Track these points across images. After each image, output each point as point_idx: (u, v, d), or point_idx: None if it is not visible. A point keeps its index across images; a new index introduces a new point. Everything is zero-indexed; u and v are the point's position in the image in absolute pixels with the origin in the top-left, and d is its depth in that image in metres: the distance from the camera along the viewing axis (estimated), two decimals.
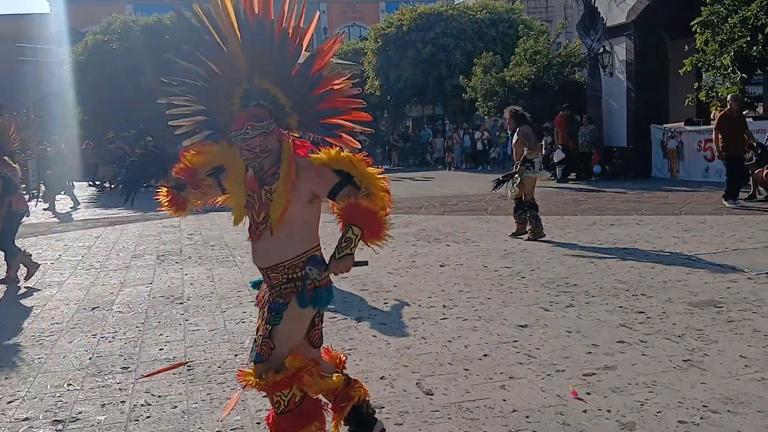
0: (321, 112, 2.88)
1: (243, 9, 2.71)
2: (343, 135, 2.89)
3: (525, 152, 8.82)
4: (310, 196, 2.82)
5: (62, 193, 17.87)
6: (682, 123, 16.17)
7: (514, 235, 9.01)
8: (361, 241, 2.81)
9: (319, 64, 2.78)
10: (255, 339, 2.89)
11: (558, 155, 17.12)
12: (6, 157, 7.62)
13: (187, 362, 4.63)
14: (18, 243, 8.03)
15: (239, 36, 2.75)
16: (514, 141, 9.08)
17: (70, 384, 4.30)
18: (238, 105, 2.87)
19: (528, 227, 8.83)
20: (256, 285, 3.13)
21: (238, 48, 2.77)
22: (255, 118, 2.75)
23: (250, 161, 2.79)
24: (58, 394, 4.12)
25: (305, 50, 2.79)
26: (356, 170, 2.77)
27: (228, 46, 2.79)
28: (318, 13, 2.94)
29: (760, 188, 11.80)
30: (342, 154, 2.80)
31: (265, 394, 2.92)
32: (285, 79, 2.81)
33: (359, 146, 2.92)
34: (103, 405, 3.91)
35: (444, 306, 5.74)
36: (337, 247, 2.81)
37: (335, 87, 2.82)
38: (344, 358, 3.28)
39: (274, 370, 2.77)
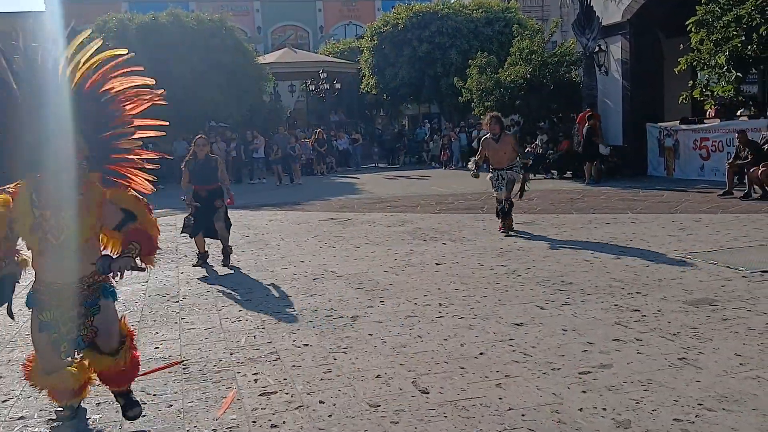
0: (114, 156, 3.52)
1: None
2: (133, 180, 3.59)
3: (520, 157, 9.52)
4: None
5: None
6: (677, 122, 16.21)
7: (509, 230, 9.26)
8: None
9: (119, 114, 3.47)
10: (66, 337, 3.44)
11: (604, 149, 16.70)
12: None
13: (183, 361, 4.62)
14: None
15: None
16: (502, 145, 9.24)
17: None
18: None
19: (506, 222, 9.27)
20: None
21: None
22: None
23: None
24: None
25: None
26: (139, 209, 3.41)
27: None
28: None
29: (755, 187, 11.83)
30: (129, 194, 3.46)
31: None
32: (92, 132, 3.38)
33: (150, 190, 3.59)
34: (98, 404, 3.90)
35: (440, 304, 5.74)
36: (119, 252, 3.39)
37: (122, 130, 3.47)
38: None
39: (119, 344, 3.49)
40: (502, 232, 9.19)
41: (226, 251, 8.07)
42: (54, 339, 3.41)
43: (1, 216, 3.22)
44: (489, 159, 9.44)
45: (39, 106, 3.17)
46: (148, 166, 3.57)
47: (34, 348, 3.52)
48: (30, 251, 3.39)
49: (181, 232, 8.31)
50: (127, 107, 3.45)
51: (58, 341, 3.41)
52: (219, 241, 8.09)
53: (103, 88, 3.35)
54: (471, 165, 9.72)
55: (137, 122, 3.52)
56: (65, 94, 3.20)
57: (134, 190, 3.55)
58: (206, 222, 7.93)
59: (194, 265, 8.02)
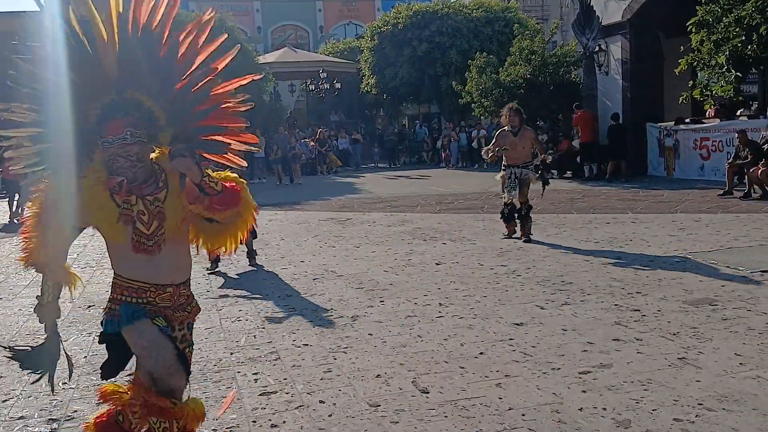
0: (202, 128, 2.77)
1: (130, 19, 2.55)
2: (228, 154, 2.81)
3: (543, 154, 8.96)
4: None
5: None
6: (673, 122, 16.23)
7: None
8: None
9: (207, 81, 2.70)
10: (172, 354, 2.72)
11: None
12: None
13: None
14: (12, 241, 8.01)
15: (118, 47, 2.57)
16: (521, 139, 8.59)
17: (65, 382, 4.29)
18: (96, 116, 2.64)
19: (526, 227, 8.71)
20: (133, 318, 2.71)
21: (113, 59, 2.59)
22: (134, 125, 2.59)
23: (124, 170, 2.60)
24: (53, 393, 4.11)
25: (202, 64, 2.68)
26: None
27: (100, 55, 2.59)
28: (225, 35, 2.75)
29: (755, 187, 11.84)
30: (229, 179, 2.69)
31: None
32: (164, 94, 2.69)
33: (245, 165, 2.91)
34: (99, 403, 3.90)
35: (440, 304, 5.74)
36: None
37: (223, 106, 2.76)
38: None
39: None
40: (523, 240, 8.57)
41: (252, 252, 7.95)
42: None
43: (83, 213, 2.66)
44: (504, 156, 8.69)
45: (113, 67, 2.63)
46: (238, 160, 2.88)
47: (143, 368, 2.77)
48: (111, 253, 2.78)
49: None
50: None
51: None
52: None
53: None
54: (484, 154, 9.11)
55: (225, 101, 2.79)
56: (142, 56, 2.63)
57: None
58: None
59: (210, 271, 7.69)
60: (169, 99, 2.69)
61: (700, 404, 3.47)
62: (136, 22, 2.56)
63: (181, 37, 2.64)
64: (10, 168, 2.82)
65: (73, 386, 4.20)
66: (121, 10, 2.54)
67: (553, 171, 18.20)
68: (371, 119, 33.88)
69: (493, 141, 8.94)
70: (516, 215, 8.74)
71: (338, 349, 4.68)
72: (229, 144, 2.80)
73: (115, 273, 2.75)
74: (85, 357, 4.78)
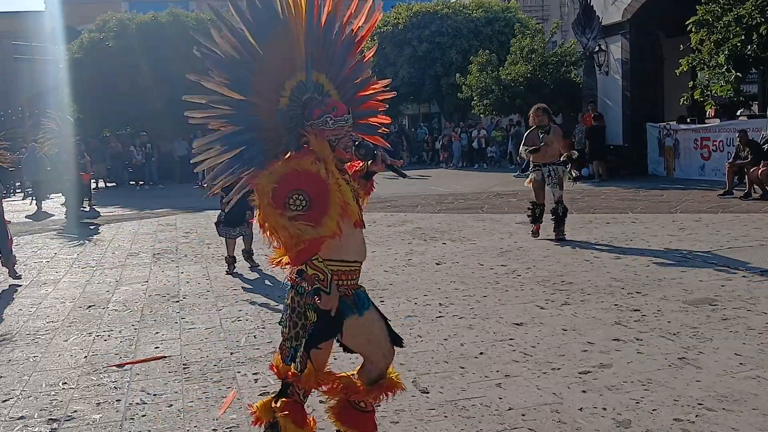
0: (360, 113, 2.87)
1: (316, 2, 2.62)
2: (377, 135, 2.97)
3: (569, 149, 8.78)
4: None
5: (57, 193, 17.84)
6: (674, 121, 16.24)
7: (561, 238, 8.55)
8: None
9: (366, 67, 2.87)
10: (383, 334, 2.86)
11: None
12: None
13: (165, 357, 4.66)
14: (15, 241, 8.03)
15: (305, 26, 2.60)
16: (553, 137, 8.48)
17: (66, 382, 4.29)
18: (288, 97, 2.62)
19: (561, 227, 8.59)
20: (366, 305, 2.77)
21: (302, 37, 2.60)
22: (347, 109, 2.66)
23: (348, 150, 2.66)
24: (53, 393, 4.11)
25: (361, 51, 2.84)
26: None
27: (291, 32, 2.58)
28: (380, 14, 2.88)
29: (755, 187, 11.83)
30: None
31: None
32: (339, 78, 2.77)
33: (390, 145, 3.00)
34: (99, 404, 3.91)
35: (440, 304, 5.74)
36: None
37: (375, 90, 2.91)
38: None
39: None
40: (557, 240, 8.46)
41: (250, 252, 7.91)
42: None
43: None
44: (533, 156, 8.55)
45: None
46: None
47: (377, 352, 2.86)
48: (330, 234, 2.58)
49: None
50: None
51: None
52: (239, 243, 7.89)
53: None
54: (523, 152, 8.80)
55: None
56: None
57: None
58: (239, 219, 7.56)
59: (227, 273, 7.61)
60: (342, 83, 2.78)
61: (700, 404, 3.47)
62: (322, 6, 2.64)
63: (356, 26, 2.77)
64: None
65: (73, 386, 4.20)
66: None
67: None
68: None
69: (524, 140, 8.81)
70: (551, 215, 8.61)
71: (338, 349, 4.66)
72: (380, 126, 2.98)
73: (324, 259, 2.58)
74: (85, 357, 4.78)
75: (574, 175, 9.03)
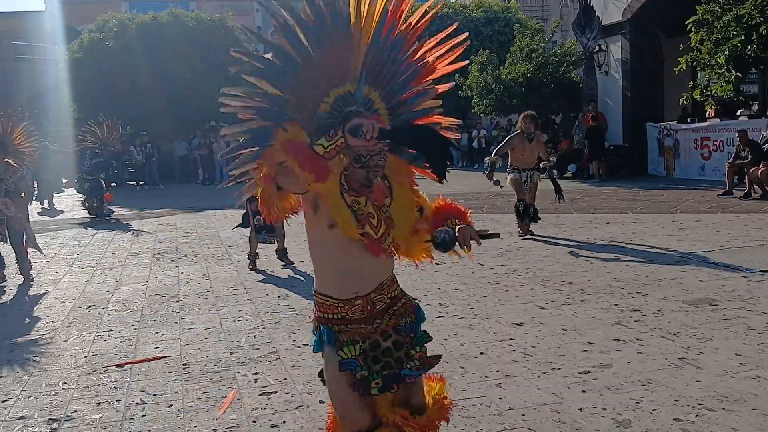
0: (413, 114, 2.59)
1: (388, 18, 2.36)
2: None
3: (547, 158, 9.14)
4: None
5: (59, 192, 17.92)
6: (675, 121, 16.24)
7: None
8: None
9: (431, 95, 2.57)
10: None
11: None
12: (9, 159, 7.53)
13: (165, 357, 4.65)
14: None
15: (370, 38, 2.36)
16: (535, 145, 8.81)
17: (66, 382, 4.29)
18: (330, 104, 2.38)
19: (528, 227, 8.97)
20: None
21: (364, 49, 2.36)
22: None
23: (379, 169, 2.41)
24: (53, 393, 4.11)
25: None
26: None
27: (352, 40, 2.34)
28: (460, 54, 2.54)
29: (755, 187, 11.83)
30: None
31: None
32: (394, 100, 2.49)
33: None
34: (99, 404, 3.91)
35: (440, 304, 5.74)
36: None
37: (436, 120, 2.61)
38: None
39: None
40: (522, 236, 8.84)
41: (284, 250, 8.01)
42: (362, 378, 2.47)
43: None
44: (512, 159, 8.88)
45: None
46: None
47: (334, 403, 2.59)
48: (316, 252, 2.59)
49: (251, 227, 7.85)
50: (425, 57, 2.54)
51: (367, 381, 2.47)
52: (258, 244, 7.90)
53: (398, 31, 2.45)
54: (487, 161, 9.02)
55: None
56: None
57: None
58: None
59: (250, 269, 7.67)
60: (393, 106, 2.50)
61: (700, 404, 3.47)
62: (394, 23, 2.38)
63: (426, 50, 2.49)
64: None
65: (73, 386, 4.20)
66: (387, 5, 2.34)
67: (553, 171, 18.20)
68: None
69: (506, 142, 9.10)
70: (529, 213, 8.94)
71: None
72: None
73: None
74: (85, 357, 4.78)
75: (556, 182, 9.50)
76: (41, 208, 16.55)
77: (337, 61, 2.35)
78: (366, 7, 2.30)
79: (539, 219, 9.05)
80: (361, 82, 2.40)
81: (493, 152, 9.10)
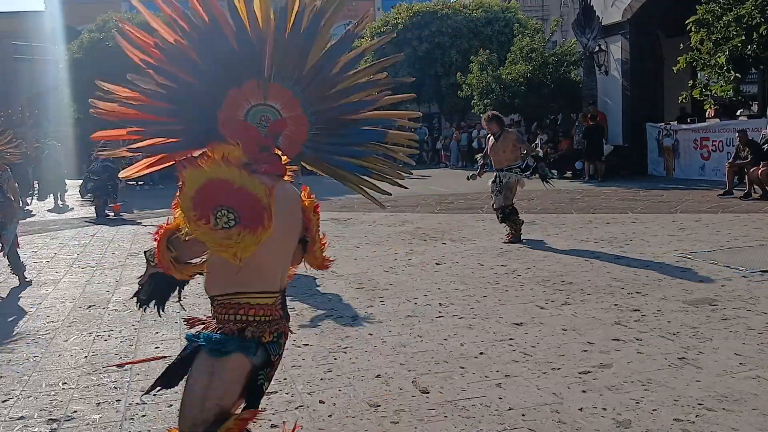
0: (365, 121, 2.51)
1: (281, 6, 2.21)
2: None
3: (530, 151, 9.00)
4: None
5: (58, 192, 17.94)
6: (675, 121, 16.24)
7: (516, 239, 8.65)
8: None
9: (364, 88, 2.43)
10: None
11: (606, 149, 16.89)
12: None
13: (165, 357, 4.64)
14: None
15: (273, 37, 2.21)
16: (502, 144, 8.65)
17: (66, 383, 4.29)
18: (230, 104, 2.26)
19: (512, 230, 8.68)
20: None
21: (266, 48, 2.23)
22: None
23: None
24: (53, 393, 4.11)
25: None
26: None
27: (248, 43, 2.21)
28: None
29: (755, 187, 11.84)
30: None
31: None
32: (311, 96, 2.35)
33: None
34: (99, 404, 3.91)
35: (440, 304, 5.74)
36: None
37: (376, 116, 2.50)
38: None
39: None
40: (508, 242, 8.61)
41: None
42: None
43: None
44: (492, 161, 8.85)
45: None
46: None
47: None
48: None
49: None
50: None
51: None
52: None
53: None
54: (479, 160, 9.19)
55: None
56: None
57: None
58: None
59: None
60: (311, 101, 2.36)
61: (700, 404, 3.47)
62: (300, 17, 2.22)
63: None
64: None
65: (73, 386, 4.20)
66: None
67: (553, 171, 18.19)
68: None
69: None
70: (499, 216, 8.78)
71: (338, 349, 4.68)
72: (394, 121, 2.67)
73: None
74: (85, 357, 4.78)
75: (550, 174, 9.30)
76: (61, 204, 17.22)
77: (234, 61, 2.23)
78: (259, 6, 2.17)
79: (514, 221, 8.64)
80: (264, 80, 2.26)
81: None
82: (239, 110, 2.25)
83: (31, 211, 15.97)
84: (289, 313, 2.65)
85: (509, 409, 3.54)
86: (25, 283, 7.54)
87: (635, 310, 5.25)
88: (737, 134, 12.94)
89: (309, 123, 2.35)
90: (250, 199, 2.04)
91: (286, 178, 2.29)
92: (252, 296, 2.29)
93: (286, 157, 2.29)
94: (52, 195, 17.76)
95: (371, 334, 4.99)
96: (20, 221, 8.25)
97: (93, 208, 14.28)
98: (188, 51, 2.24)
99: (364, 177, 2.59)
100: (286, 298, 2.52)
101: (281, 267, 2.41)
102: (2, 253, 7.46)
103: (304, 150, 2.39)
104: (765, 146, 12.25)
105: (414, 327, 5.11)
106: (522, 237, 8.65)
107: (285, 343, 2.48)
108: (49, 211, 15.99)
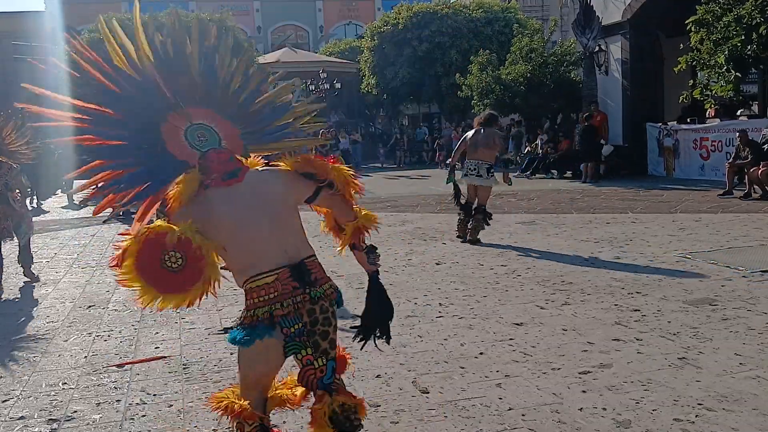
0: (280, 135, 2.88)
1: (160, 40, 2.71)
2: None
3: (503, 154, 9.08)
4: None
5: (58, 192, 17.95)
6: (675, 121, 16.23)
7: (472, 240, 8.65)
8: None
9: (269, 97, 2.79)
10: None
11: (607, 149, 16.86)
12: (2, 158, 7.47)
13: (165, 357, 4.65)
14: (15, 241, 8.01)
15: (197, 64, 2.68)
16: (485, 138, 8.67)
17: (66, 383, 4.29)
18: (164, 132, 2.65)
19: (469, 227, 8.69)
20: None
21: (165, 78, 2.62)
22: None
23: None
24: (53, 393, 4.11)
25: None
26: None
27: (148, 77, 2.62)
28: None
29: (755, 187, 11.84)
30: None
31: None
32: (233, 111, 2.73)
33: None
34: (99, 404, 3.91)
35: (440, 304, 5.74)
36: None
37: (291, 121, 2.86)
38: None
39: None
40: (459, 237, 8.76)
41: None
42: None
43: None
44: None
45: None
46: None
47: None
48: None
49: None
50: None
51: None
52: None
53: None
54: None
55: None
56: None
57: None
58: None
59: None
60: (236, 115, 2.74)
61: (700, 404, 3.47)
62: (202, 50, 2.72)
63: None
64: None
65: (73, 386, 4.20)
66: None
67: (553, 171, 18.19)
68: (371, 119, 33.86)
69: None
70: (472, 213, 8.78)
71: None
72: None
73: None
74: (85, 357, 4.78)
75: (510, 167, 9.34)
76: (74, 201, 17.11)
77: (150, 95, 2.58)
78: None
79: (484, 221, 8.72)
80: (180, 106, 2.60)
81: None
82: (178, 137, 2.61)
83: (45, 209, 15.96)
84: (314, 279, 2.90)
85: (509, 409, 3.54)
86: (30, 276, 7.52)
87: (635, 310, 5.25)
88: (737, 134, 12.94)
89: (234, 125, 2.70)
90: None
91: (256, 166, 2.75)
92: (253, 280, 2.61)
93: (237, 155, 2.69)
94: (60, 191, 17.74)
95: None
96: (33, 218, 8.25)
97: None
98: (108, 111, 2.64)
99: (295, 138, 2.93)
100: (315, 262, 2.98)
101: (274, 243, 2.68)
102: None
103: (245, 145, 2.75)
104: (765, 146, 12.25)
105: (414, 327, 5.11)
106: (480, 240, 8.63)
107: (319, 307, 2.83)
108: (63, 207, 16.11)
